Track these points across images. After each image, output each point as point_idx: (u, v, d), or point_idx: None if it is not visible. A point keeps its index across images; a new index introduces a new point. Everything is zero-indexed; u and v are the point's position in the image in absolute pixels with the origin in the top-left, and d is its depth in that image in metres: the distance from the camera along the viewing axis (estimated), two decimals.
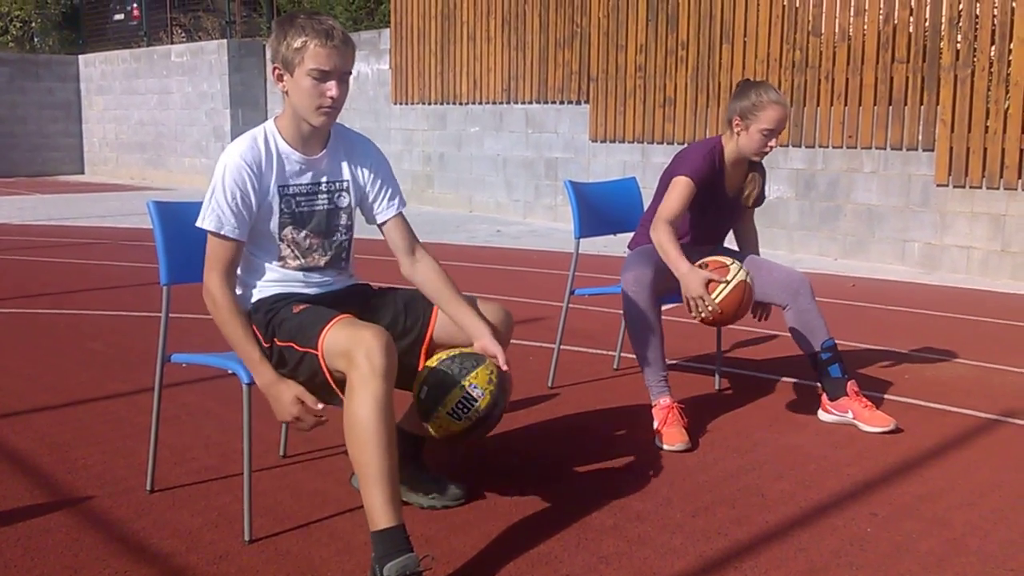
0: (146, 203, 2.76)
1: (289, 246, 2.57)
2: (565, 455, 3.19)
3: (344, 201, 2.63)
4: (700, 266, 3.24)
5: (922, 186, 7.47)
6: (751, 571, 2.37)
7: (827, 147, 8.03)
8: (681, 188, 3.44)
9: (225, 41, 14.64)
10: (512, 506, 2.75)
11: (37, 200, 13.07)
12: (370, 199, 2.68)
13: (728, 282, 3.17)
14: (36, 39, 20.52)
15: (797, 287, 3.53)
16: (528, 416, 3.62)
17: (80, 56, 18.00)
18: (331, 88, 2.43)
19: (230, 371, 2.57)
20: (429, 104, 11.85)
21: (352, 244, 2.70)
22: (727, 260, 3.26)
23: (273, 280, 2.59)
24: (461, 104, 11.42)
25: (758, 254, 3.83)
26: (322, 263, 2.62)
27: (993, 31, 6.94)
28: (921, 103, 7.38)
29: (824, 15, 7.95)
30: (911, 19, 7.41)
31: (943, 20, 7.21)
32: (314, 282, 2.62)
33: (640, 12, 9.36)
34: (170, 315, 2.75)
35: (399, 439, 2.61)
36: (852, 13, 7.77)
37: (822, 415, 3.56)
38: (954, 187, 7.27)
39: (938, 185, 7.36)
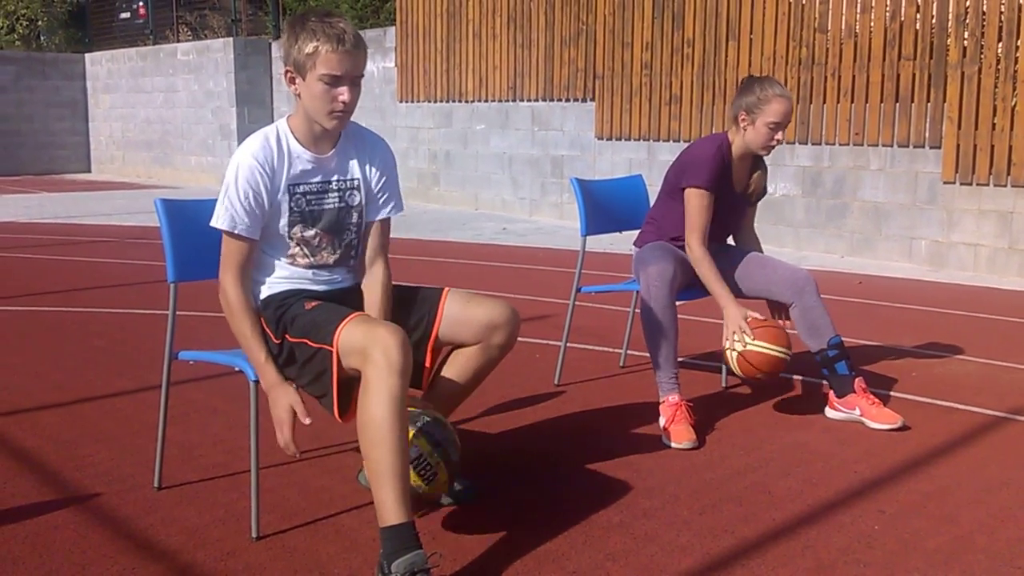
0: (153, 201, 2.76)
1: (299, 244, 2.58)
2: (572, 453, 3.19)
3: (355, 199, 2.63)
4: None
5: (929, 183, 7.45)
6: (758, 568, 2.37)
7: (834, 144, 8.01)
8: (699, 200, 3.47)
9: (231, 39, 14.65)
10: (519, 503, 2.75)
11: (43, 198, 13.10)
12: (368, 197, 2.68)
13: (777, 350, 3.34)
14: (42, 37, 20.56)
15: (802, 285, 3.53)
16: (535, 414, 3.62)
17: (86, 54, 18.03)
18: (343, 93, 2.43)
19: (237, 368, 2.58)
20: (435, 102, 11.85)
21: (361, 243, 2.70)
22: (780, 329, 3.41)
23: (282, 277, 2.60)
24: (467, 102, 11.42)
25: (759, 248, 3.84)
26: (331, 261, 2.63)
27: (1000, 28, 6.92)
28: (928, 100, 7.36)
29: (830, 12, 7.93)
30: (918, 16, 7.39)
31: (950, 17, 7.19)
32: (322, 280, 2.63)
33: (646, 10, 9.35)
34: (177, 312, 2.75)
35: None
36: (859, 10, 7.75)
37: (829, 412, 3.56)
38: (961, 184, 7.25)
39: (945, 182, 7.34)
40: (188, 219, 2.70)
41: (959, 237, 7.31)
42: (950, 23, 7.19)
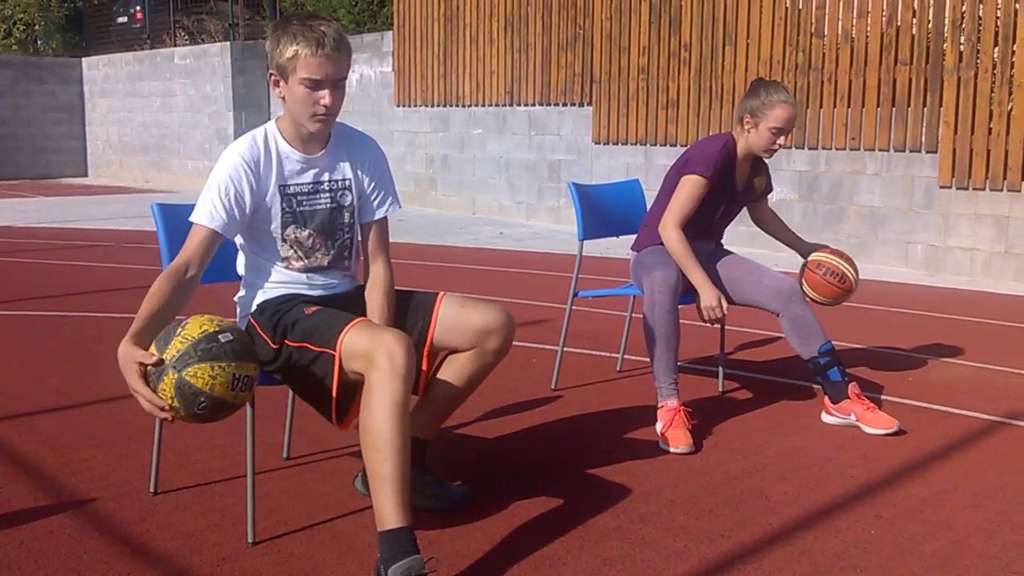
0: (150, 205, 2.76)
1: (292, 246, 2.58)
2: (568, 457, 3.19)
3: (347, 199, 2.63)
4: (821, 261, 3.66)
5: (925, 188, 7.47)
6: (754, 573, 2.37)
7: (830, 149, 8.03)
8: (692, 187, 3.49)
9: (228, 44, 14.66)
10: (515, 508, 2.74)
11: (40, 202, 13.08)
12: (361, 199, 2.68)
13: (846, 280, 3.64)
14: (39, 42, 20.55)
15: (788, 294, 3.54)
16: (531, 418, 3.62)
17: (83, 59, 18.02)
18: (324, 96, 2.43)
19: None
20: (432, 106, 11.85)
21: (355, 243, 2.70)
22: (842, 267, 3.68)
23: (278, 282, 2.59)
24: (464, 106, 11.43)
25: (795, 236, 3.91)
26: (325, 263, 2.63)
27: (996, 33, 6.93)
28: (924, 105, 7.37)
29: (827, 17, 7.95)
30: (914, 21, 7.40)
31: (946, 22, 7.21)
32: (318, 284, 2.63)
33: (643, 14, 9.36)
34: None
35: None
36: (855, 15, 7.76)
37: (825, 417, 3.56)
38: (957, 189, 7.26)
39: (941, 187, 7.36)
40: (185, 224, 2.68)
41: (955, 241, 7.32)
42: (946, 28, 7.21)
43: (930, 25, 7.31)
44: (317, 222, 2.59)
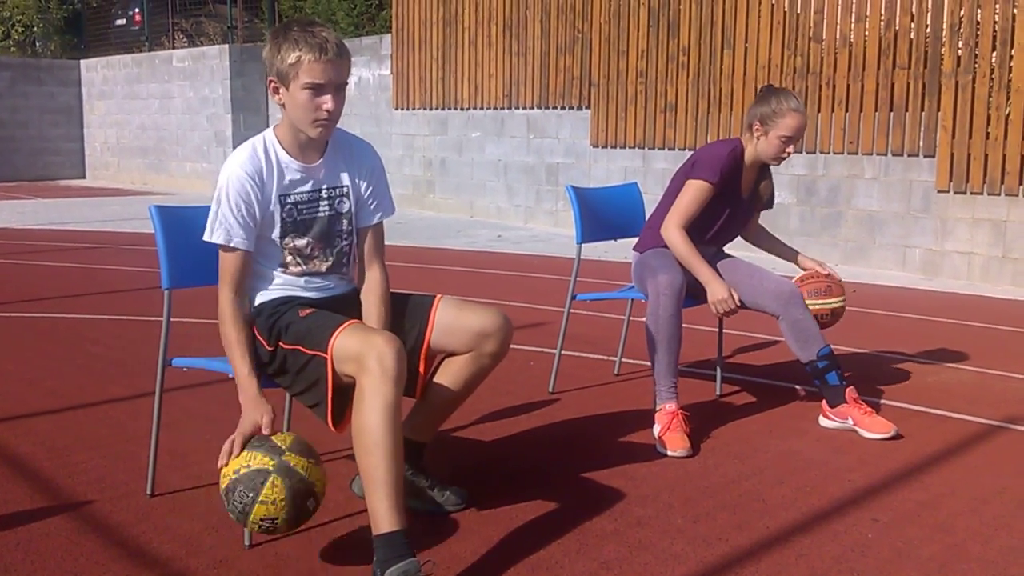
0: (148, 207, 2.76)
1: (291, 253, 2.58)
2: (566, 460, 3.19)
3: (345, 207, 2.63)
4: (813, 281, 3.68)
5: (923, 192, 7.47)
6: None
7: (828, 153, 8.03)
8: (696, 191, 3.49)
9: (227, 46, 14.66)
10: (513, 511, 2.74)
11: (38, 204, 13.08)
12: (358, 204, 2.68)
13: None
14: (38, 43, 20.54)
15: (788, 298, 3.53)
16: (529, 421, 3.61)
17: (82, 61, 18.02)
18: (326, 101, 2.43)
19: (230, 375, 2.57)
20: (430, 109, 11.86)
21: (353, 249, 2.69)
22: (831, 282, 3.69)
23: (275, 284, 2.59)
24: (462, 109, 11.43)
25: (781, 242, 3.90)
26: (324, 269, 2.63)
27: (994, 37, 6.94)
28: (922, 109, 7.38)
29: (825, 21, 7.96)
30: (912, 25, 7.41)
31: (944, 26, 7.22)
32: (315, 287, 2.63)
33: (641, 18, 9.37)
34: (171, 319, 2.75)
35: None
36: (853, 19, 7.77)
37: (823, 421, 3.56)
38: (955, 193, 7.27)
39: (939, 191, 7.36)
40: (183, 226, 2.69)
41: (953, 246, 7.33)
42: (944, 32, 7.22)
43: (928, 30, 7.32)
44: (316, 230, 2.59)
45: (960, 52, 7.14)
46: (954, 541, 2.58)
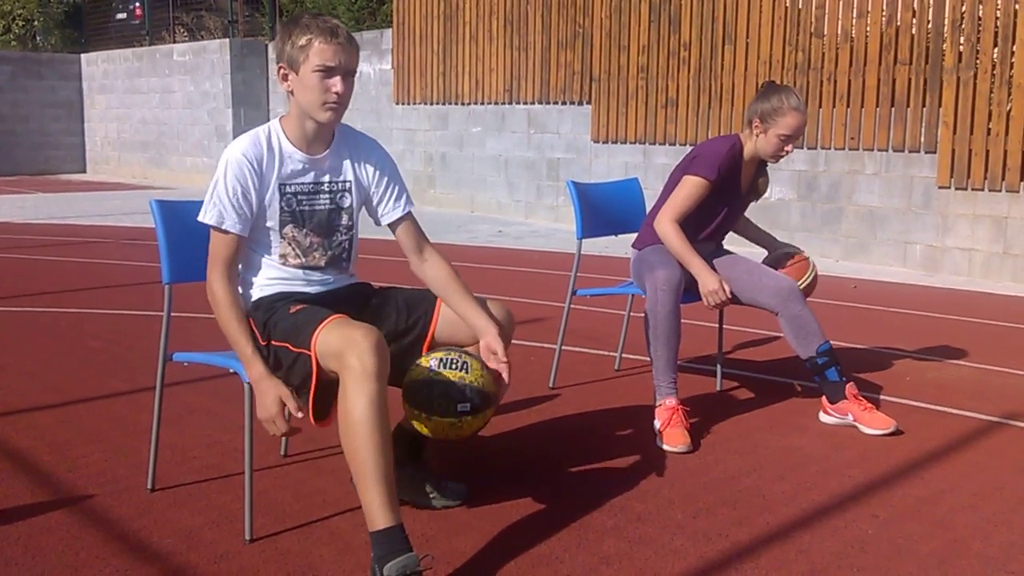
0: (148, 202, 2.76)
1: (290, 244, 2.58)
2: (566, 456, 3.19)
3: (346, 201, 2.63)
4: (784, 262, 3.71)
5: (924, 188, 7.47)
6: (752, 572, 2.37)
7: (829, 149, 8.03)
8: (692, 188, 3.48)
9: (227, 40, 14.65)
10: (513, 506, 2.74)
11: (39, 199, 13.08)
12: (375, 201, 2.67)
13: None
14: (38, 37, 20.53)
15: (786, 294, 3.53)
16: (529, 416, 3.62)
17: (82, 55, 18.01)
18: (336, 84, 2.44)
19: (231, 370, 2.58)
20: (431, 104, 11.85)
21: (353, 245, 2.69)
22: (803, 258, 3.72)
23: (275, 278, 2.59)
24: (463, 104, 11.42)
25: (767, 234, 3.88)
26: (322, 263, 2.62)
27: (996, 33, 6.94)
28: (923, 105, 7.38)
29: (826, 16, 7.95)
30: (914, 21, 7.40)
31: (946, 22, 7.21)
32: (315, 280, 2.63)
33: (642, 13, 9.36)
34: (172, 314, 2.75)
35: (400, 438, 2.62)
36: (854, 15, 7.77)
37: (823, 417, 3.56)
38: (956, 189, 7.26)
39: (940, 187, 7.36)
40: (183, 220, 2.69)
41: (953, 242, 7.32)
42: (946, 28, 7.21)
43: (930, 25, 7.31)
44: (315, 222, 2.59)
45: (961, 48, 7.13)
46: (954, 537, 2.58)
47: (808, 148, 8.15)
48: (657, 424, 3.33)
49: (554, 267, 7.32)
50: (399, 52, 12.18)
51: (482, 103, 11.18)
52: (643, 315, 3.46)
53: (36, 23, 20.15)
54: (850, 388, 3.49)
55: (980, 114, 7.04)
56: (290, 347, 2.41)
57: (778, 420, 3.59)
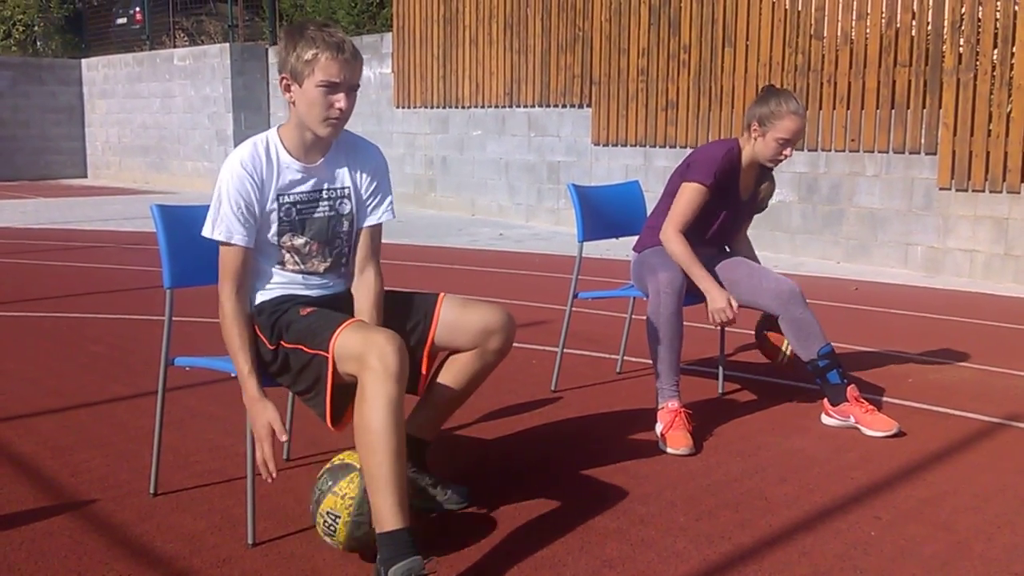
0: (149, 207, 2.76)
1: (289, 252, 2.58)
2: (568, 459, 3.19)
3: (346, 208, 2.63)
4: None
5: (925, 190, 7.47)
6: (755, 575, 2.37)
7: (829, 150, 8.03)
8: (691, 194, 3.47)
9: (228, 45, 14.66)
10: (515, 510, 2.74)
11: (40, 204, 13.08)
12: (358, 204, 2.67)
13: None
14: (39, 43, 20.54)
15: (788, 296, 3.53)
16: (531, 419, 3.61)
17: (83, 60, 18.02)
18: (340, 100, 2.44)
19: (233, 375, 2.57)
20: (431, 108, 11.86)
21: (352, 251, 2.69)
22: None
23: (274, 283, 2.59)
24: (463, 108, 11.43)
25: (753, 253, 3.85)
26: (321, 269, 2.63)
27: (995, 35, 6.94)
28: (923, 106, 7.38)
29: (826, 18, 7.95)
30: (913, 22, 7.41)
31: (945, 23, 7.21)
32: (314, 284, 2.63)
33: (642, 16, 9.36)
34: (173, 319, 2.75)
35: None
36: (854, 16, 7.77)
37: (825, 419, 3.56)
38: (957, 191, 7.26)
39: (941, 188, 7.36)
40: (184, 225, 2.69)
41: (955, 243, 7.32)
42: (946, 30, 7.21)
43: (929, 27, 7.31)
44: (315, 230, 2.59)
45: (961, 49, 7.13)
46: (956, 539, 2.58)
47: (809, 150, 8.15)
48: (659, 427, 3.33)
49: (555, 270, 7.32)
50: (399, 56, 12.18)
51: (482, 106, 11.19)
52: (645, 318, 3.46)
53: (36, 28, 20.16)
54: (851, 390, 3.49)
55: (980, 115, 7.04)
56: (304, 349, 2.41)
57: (780, 422, 3.59)
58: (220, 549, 2.48)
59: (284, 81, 2.49)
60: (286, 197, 2.54)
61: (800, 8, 8.12)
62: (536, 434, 3.46)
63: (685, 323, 3.45)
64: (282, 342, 2.47)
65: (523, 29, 10.58)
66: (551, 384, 4.03)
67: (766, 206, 3.82)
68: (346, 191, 2.63)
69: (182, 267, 2.68)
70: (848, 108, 7.83)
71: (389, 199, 2.71)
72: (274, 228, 2.55)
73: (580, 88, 10.05)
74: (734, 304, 3.42)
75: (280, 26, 14.51)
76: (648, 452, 3.25)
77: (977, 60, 7.05)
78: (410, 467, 2.69)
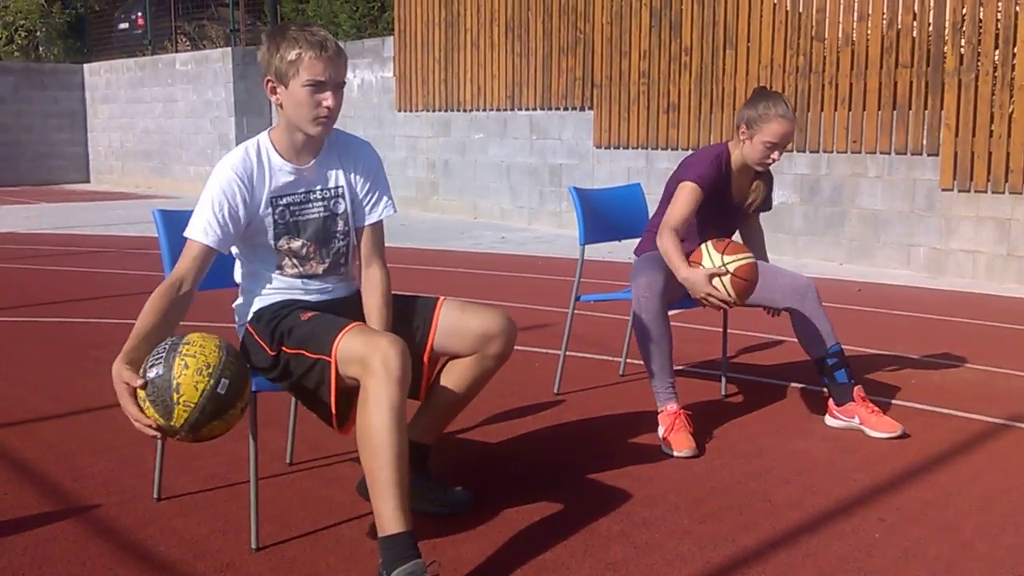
0: (151, 211, 2.76)
1: (286, 255, 2.58)
2: (571, 461, 3.19)
3: (340, 207, 2.63)
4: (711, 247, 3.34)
5: (927, 191, 7.46)
6: None
7: (831, 152, 8.02)
8: (687, 194, 3.46)
9: (229, 49, 14.68)
10: (518, 512, 2.74)
11: (42, 208, 13.10)
12: (354, 203, 2.67)
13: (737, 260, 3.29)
14: (41, 48, 20.58)
15: (803, 292, 3.53)
16: (534, 422, 3.61)
17: (85, 65, 18.05)
18: (327, 98, 2.43)
19: None
20: (433, 111, 11.86)
21: (351, 250, 2.69)
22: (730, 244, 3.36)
23: (274, 288, 2.59)
24: (465, 111, 11.44)
25: (765, 257, 3.84)
26: (320, 271, 2.62)
27: (997, 35, 6.93)
28: (925, 108, 7.37)
29: (827, 20, 7.95)
30: (915, 23, 7.41)
31: (947, 24, 7.21)
32: (313, 289, 2.63)
33: (643, 18, 9.37)
34: None
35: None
36: (855, 18, 7.77)
37: (829, 420, 3.56)
38: (959, 191, 7.26)
39: (943, 189, 7.35)
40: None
41: (957, 244, 7.32)
42: (947, 31, 7.21)
43: (930, 28, 7.31)
44: (311, 231, 2.59)
45: (963, 50, 7.13)
46: (961, 540, 2.58)
47: (810, 152, 8.15)
48: (661, 431, 3.33)
49: (557, 273, 7.32)
50: (401, 59, 12.20)
51: (484, 110, 11.19)
52: (632, 322, 3.44)
53: (39, 34, 20.19)
54: (858, 391, 3.49)
55: (982, 116, 7.03)
56: (306, 354, 2.41)
57: (784, 424, 3.59)
58: (223, 554, 2.48)
59: (269, 84, 2.48)
60: (280, 200, 2.54)
61: (801, 10, 8.12)
62: (539, 437, 3.46)
63: (687, 325, 3.45)
64: (283, 347, 2.46)
65: (524, 32, 10.59)
66: (554, 387, 4.03)
67: (770, 205, 3.80)
68: (340, 191, 2.62)
69: None
70: (850, 110, 7.83)
71: (387, 195, 2.70)
72: (271, 232, 2.54)
73: (582, 91, 10.05)
74: (717, 293, 3.24)
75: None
76: (651, 455, 3.24)
77: (978, 61, 7.04)
78: (412, 471, 2.69)
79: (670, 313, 3.46)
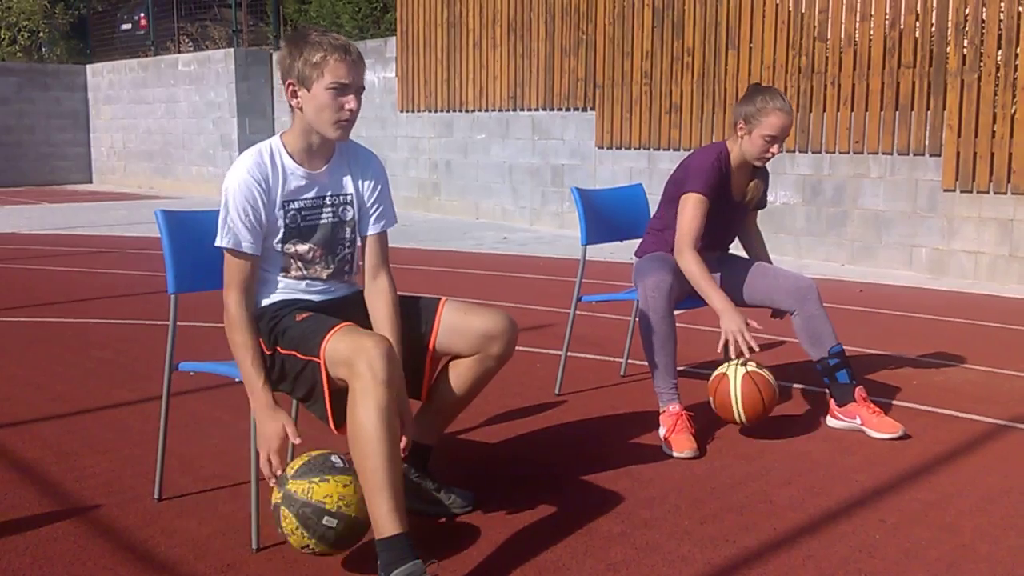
0: (154, 212, 2.77)
1: (293, 259, 2.59)
2: (572, 462, 3.19)
3: (348, 214, 2.64)
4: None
5: (929, 191, 7.46)
6: None
7: (834, 152, 8.02)
8: (694, 205, 3.46)
9: (232, 50, 14.69)
10: (519, 513, 2.74)
11: (45, 209, 13.11)
12: (361, 212, 2.68)
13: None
14: (44, 49, 20.60)
15: (804, 293, 3.52)
16: (535, 423, 3.61)
17: (88, 65, 18.06)
18: (350, 101, 2.46)
19: (237, 379, 2.58)
20: (435, 112, 11.87)
21: (355, 257, 2.70)
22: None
23: (277, 289, 2.60)
24: (467, 111, 11.44)
25: (766, 256, 3.84)
26: (324, 276, 2.63)
27: (1000, 36, 6.92)
28: (928, 108, 7.37)
29: (830, 21, 7.94)
30: (917, 24, 7.40)
31: (949, 25, 7.20)
32: (316, 290, 2.63)
33: (646, 19, 9.37)
34: (178, 323, 2.75)
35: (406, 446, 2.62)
36: (858, 18, 7.76)
37: (830, 421, 3.55)
38: (961, 192, 7.25)
39: (945, 190, 7.34)
40: (189, 230, 2.70)
41: (959, 245, 7.31)
42: (949, 31, 7.20)
43: (933, 28, 7.31)
44: (319, 237, 2.60)
45: (965, 51, 7.12)
46: (962, 541, 2.57)
47: (812, 152, 8.14)
48: (662, 431, 3.33)
49: (559, 273, 7.32)
50: (403, 60, 12.20)
51: (486, 110, 11.19)
52: (636, 322, 3.45)
53: (41, 34, 20.21)
54: (859, 391, 3.49)
55: (984, 117, 7.02)
56: (298, 355, 2.42)
57: (785, 425, 3.59)
58: (224, 554, 2.48)
59: (291, 87, 2.49)
60: (292, 204, 2.55)
61: (803, 10, 8.11)
62: (540, 437, 3.46)
63: (689, 325, 3.45)
64: (278, 348, 2.47)
65: (527, 33, 10.59)
66: (555, 387, 4.03)
67: (766, 203, 3.80)
68: (349, 198, 2.64)
69: (186, 272, 2.69)
70: (852, 110, 7.82)
71: (391, 208, 2.73)
72: (280, 235, 2.55)
73: (584, 91, 10.05)
74: (748, 335, 3.25)
75: (284, 31, 14.54)
76: (652, 455, 3.24)
77: (981, 61, 7.04)
78: (413, 472, 2.70)
79: (675, 313, 3.46)
